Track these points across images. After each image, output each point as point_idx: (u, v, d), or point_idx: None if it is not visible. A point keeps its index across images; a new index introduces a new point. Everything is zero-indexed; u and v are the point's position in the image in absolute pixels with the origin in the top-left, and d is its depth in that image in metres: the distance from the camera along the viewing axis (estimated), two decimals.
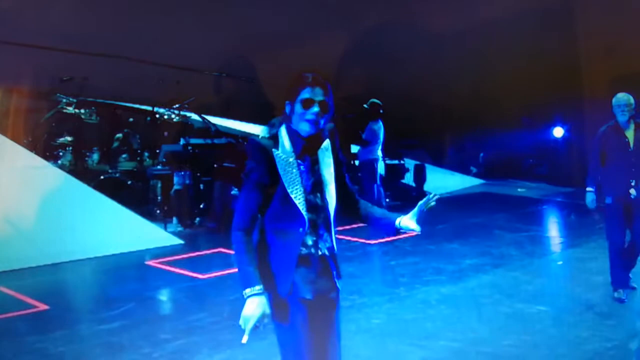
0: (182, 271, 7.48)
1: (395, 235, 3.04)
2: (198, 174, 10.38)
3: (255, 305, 2.73)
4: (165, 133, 11.00)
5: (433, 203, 2.97)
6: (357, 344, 4.93)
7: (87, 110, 10.45)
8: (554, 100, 13.27)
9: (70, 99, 10.24)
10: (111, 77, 11.42)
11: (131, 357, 4.92)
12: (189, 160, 10.32)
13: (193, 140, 10.60)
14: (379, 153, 10.87)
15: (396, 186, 12.46)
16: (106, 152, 10.83)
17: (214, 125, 10.92)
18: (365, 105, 10.86)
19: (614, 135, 5.99)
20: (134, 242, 8.47)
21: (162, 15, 11.12)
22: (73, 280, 7.48)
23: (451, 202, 12.69)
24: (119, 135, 11.34)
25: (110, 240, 8.30)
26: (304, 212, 2.82)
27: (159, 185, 10.36)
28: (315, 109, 2.83)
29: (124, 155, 10.86)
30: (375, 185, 10.80)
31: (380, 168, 11.35)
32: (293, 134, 2.88)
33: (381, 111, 10.80)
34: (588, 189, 6.16)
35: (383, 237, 9.04)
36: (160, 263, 7.88)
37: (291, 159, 2.85)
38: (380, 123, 10.76)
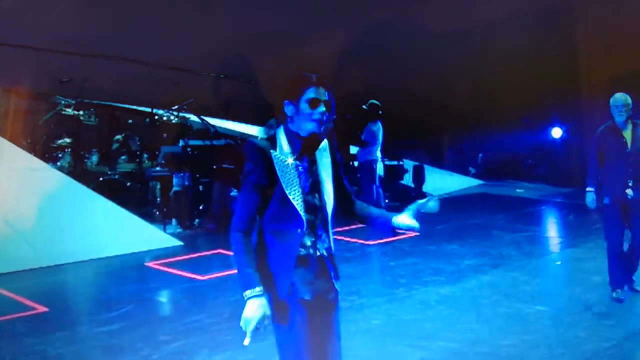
0: (181, 272, 7.49)
1: (393, 234, 3.04)
2: (197, 176, 10.38)
3: (255, 307, 2.73)
4: (165, 134, 11.00)
5: (432, 209, 2.98)
6: (356, 345, 4.94)
7: (86, 112, 10.43)
8: (552, 101, 13.28)
9: (69, 101, 10.23)
10: (110, 78, 11.41)
11: (130, 359, 4.93)
12: (188, 161, 10.32)
13: (192, 142, 10.60)
14: (378, 154, 10.89)
15: (395, 187, 12.47)
16: (105, 154, 10.82)
17: (213, 126, 10.92)
18: (364, 107, 10.88)
19: (611, 136, 6.00)
20: (133, 243, 8.48)
21: (160, 17, 11.12)
22: (72, 282, 7.48)
23: (450, 203, 12.69)
24: (119, 137, 11.33)
25: (109, 241, 8.30)
26: (302, 213, 2.84)
27: (158, 186, 10.36)
28: (322, 108, 2.84)
29: (123, 157, 10.85)
30: (374, 186, 10.81)
31: (379, 169, 11.36)
32: (291, 135, 2.89)
33: (380, 112, 10.82)
34: (588, 189, 6.17)
35: (382, 238, 9.05)
36: (159, 264, 7.89)
37: (289, 160, 2.86)
38: (379, 124, 10.78)
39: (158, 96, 11.12)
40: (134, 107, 12.33)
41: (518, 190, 13.95)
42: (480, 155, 15.91)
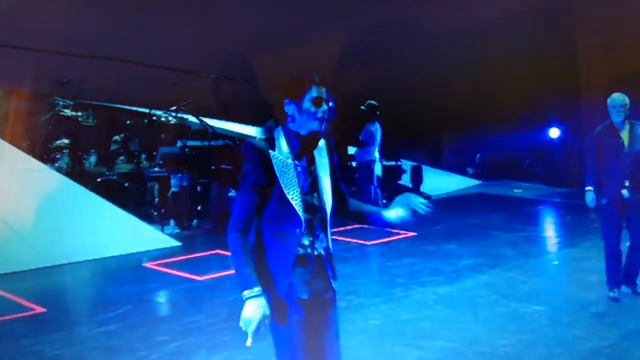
0: (179, 273, 7.49)
1: (386, 227, 3.09)
2: (195, 176, 10.39)
3: (255, 307, 2.74)
4: (163, 135, 11.00)
5: (421, 210, 3.02)
6: (354, 345, 4.94)
7: (84, 113, 10.44)
8: (550, 101, 13.29)
9: (68, 102, 10.24)
10: (108, 79, 11.42)
11: (128, 359, 4.94)
12: (186, 162, 10.33)
13: (190, 143, 10.61)
14: (376, 154, 10.90)
15: (393, 187, 12.48)
16: (103, 155, 10.83)
17: (212, 127, 10.93)
18: (362, 107, 10.89)
19: (608, 136, 5.99)
20: (131, 244, 8.48)
21: (158, 17, 11.11)
22: (70, 282, 7.48)
23: (448, 203, 12.73)
24: (117, 137, 11.35)
25: (107, 242, 8.31)
26: (300, 213, 2.84)
27: (156, 187, 10.37)
28: (325, 107, 2.87)
29: (121, 158, 10.86)
30: (372, 187, 10.82)
31: (377, 169, 11.36)
32: (291, 135, 2.90)
33: (378, 113, 10.83)
34: (587, 188, 6.15)
35: (379, 238, 9.07)
36: (157, 265, 7.89)
37: (288, 160, 2.87)
38: (377, 124, 10.79)
39: (156, 97, 11.12)
40: (132, 108, 12.34)
41: (516, 190, 13.96)
42: (478, 155, 15.93)
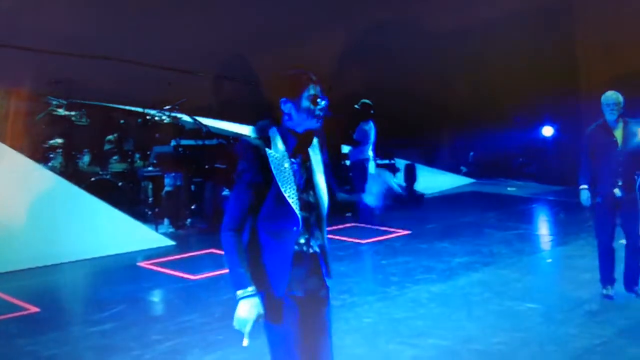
0: (173, 272, 7.49)
1: (372, 213, 3.17)
2: (189, 175, 10.37)
3: (249, 307, 2.74)
4: (157, 134, 10.98)
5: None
6: (348, 343, 4.96)
7: (77, 112, 10.40)
8: (543, 100, 13.33)
9: (61, 101, 10.21)
10: (102, 78, 11.39)
11: (122, 359, 4.93)
12: (180, 161, 10.32)
13: (184, 142, 10.60)
14: (370, 153, 10.91)
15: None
16: (97, 154, 10.80)
17: (205, 126, 10.92)
18: (356, 106, 10.90)
19: (602, 135, 5.97)
20: (125, 243, 8.46)
21: (152, 17, 11.09)
22: (64, 282, 7.47)
23: (441, 202, 12.76)
24: (111, 137, 11.32)
25: (101, 242, 8.28)
26: (297, 211, 2.84)
27: (150, 186, 10.36)
28: (323, 104, 2.88)
29: (115, 157, 10.84)
30: (366, 185, 10.81)
31: (371, 168, 11.36)
32: (286, 132, 2.91)
33: (372, 111, 10.84)
34: (582, 187, 6.10)
35: (374, 237, 9.09)
36: (151, 264, 7.88)
37: (284, 158, 2.87)
38: (371, 123, 10.80)
39: (150, 96, 11.09)
40: (126, 107, 12.30)
41: (509, 188, 14.01)
42: (472, 153, 15.97)
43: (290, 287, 2.85)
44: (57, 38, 10.29)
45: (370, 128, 10.77)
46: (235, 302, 2.77)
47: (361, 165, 10.83)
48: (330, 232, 3.05)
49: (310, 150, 2.98)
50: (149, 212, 10.07)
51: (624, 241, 6.12)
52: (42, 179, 8.44)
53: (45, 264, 7.70)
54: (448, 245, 8.53)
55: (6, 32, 9.80)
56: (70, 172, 9.80)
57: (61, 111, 10.20)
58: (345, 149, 11.61)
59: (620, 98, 5.88)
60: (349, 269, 7.49)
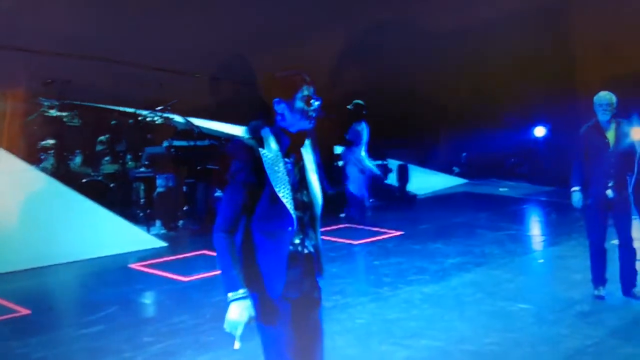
0: (165, 274, 7.46)
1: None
2: (181, 176, 10.34)
3: (240, 309, 2.73)
4: (149, 135, 10.95)
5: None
6: (340, 344, 4.96)
7: (69, 113, 10.37)
8: (535, 100, 13.36)
9: (53, 102, 10.18)
10: (94, 79, 11.35)
11: None
12: (172, 162, 10.29)
13: (176, 143, 10.57)
14: (363, 153, 10.91)
15: (379, 186, 12.50)
16: (89, 155, 10.76)
17: (198, 127, 10.90)
18: (348, 106, 10.90)
19: (594, 135, 5.95)
20: (117, 245, 8.43)
21: (145, 17, 11.06)
22: (55, 284, 7.43)
23: (434, 202, 12.78)
24: (102, 138, 11.28)
25: (92, 243, 8.25)
26: (292, 211, 2.83)
27: (142, 187, 10.32)
28: (316, 105, 2.89)
29: (106, 158, 10.80)
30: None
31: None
32: (280, 132, 2.91)
33: (364, 112, 10.84)
34: (574, 188, 6.08)
35: (367, 237, 9.09)
36: (143, 266, 7.86)
37: (278, 158, 2.87)
38: (364, 124, 10.79)
39: (142, 97, 11.06)
40: (118, 108, 12.27)
41: (501, 189, 14.04)
42: (464, 154, 16.00)
43: (286, 289, 2.84)
44: (51, 39, 10.25)
45: (363, 129, 10.76)
46: (227, 303, 2.76)
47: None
48: (322, 233, 3.04)
49: (302, 150, 2.98)
50: (141, 214, 10.04)
51: (615, 242, 6.13)
52: (33, 181, 8.40)
53: (36, 266, 7.65)
54: (440, 245, 8.53)
55: (7, 33, 9.75)
56: (62, 173, 9.75)
57: (53, 112, 10.17)
58: (338, 149, 11.61)
59: (614, 99, 5.86)
60: (342, 270, 7.49)
